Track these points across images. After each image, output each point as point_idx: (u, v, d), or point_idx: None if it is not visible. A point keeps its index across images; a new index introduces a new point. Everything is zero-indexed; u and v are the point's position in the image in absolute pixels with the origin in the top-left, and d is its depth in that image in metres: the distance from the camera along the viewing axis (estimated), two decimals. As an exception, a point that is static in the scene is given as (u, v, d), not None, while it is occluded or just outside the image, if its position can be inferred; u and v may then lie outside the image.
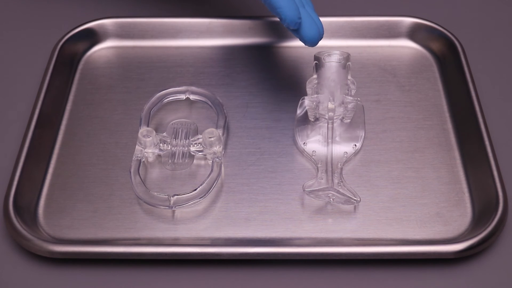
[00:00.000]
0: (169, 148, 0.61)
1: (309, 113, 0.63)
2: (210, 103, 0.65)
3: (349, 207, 0.58)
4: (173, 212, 0.58)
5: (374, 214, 0.58)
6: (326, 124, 0.62)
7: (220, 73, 0.70)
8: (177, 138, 0.62)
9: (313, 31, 0.58)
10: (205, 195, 0.58)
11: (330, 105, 0.62)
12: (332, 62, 0.64)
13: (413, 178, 0.60)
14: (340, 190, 0.57)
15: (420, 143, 0.63)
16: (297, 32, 0.58)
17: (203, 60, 0.71)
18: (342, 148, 0.61)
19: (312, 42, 0.59)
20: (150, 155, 0.61)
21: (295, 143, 0.63)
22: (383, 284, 0.54)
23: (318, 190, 0.57)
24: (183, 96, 0.66)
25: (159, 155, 0.62)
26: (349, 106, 0.62)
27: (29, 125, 0.62)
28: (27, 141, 0.61)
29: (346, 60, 0.64)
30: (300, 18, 0.57)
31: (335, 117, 0.62)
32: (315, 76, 0.64)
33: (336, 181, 0.58)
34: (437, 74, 0.70)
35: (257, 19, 0.72)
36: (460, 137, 0.63)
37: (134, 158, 0.60)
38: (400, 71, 0.70)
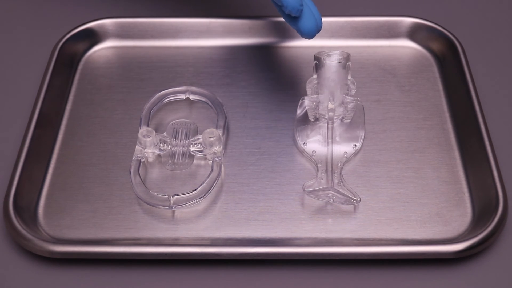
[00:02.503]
0: (169, 148, 0.61)
1: (309, 113, 0.63)
2: (210, 103, 0.65)
3: (349, 207, 0.58)
4: (173, 212, 0.58)
5: (374, 214, 0.58)
6: (326, 124, 0.62)
7: (220, 73, 0.70)
8: (177, 138, 0.62)
9: (311, 23, 0.57)
10: (205, 195, 0.58)
11: (330, 105, 0.62)
12: (332, 62, 0.64)
13: (413, 178, 0.60)
14: (340, 190, 0.57)
15: (420, 143, 0.63)
16: (294, 23, 0.58)
17: (203, 60, 0.71)
18: (342, 148, 0.61)
19: (309, 34, 0.58)
20: (150, 155, 0.61)
21: (295, 143, 0.63)
22: (383, 284, 0.54)
23: (318, 190, 0.57)
24: (183, 96, 0.66)
25: (159, 155, 0.62)
26: (349, 106, 0.62)
27: (29, 125, 0.62)
28: (27, 141, 0.61)
29: (346, 60, 0.64)
30: (301, 5, 0.56)
31: (335, 117, 0.62)
32: (315, 76, 0.64)
33: (336, 181, 0.58)
34: (437, 74, 0.70)
35: (257, 19, 0.72)
36: (460, 137, 0.63)
37: (134, 158, 0.60)
38: (400, 71, 0.70)
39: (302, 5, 0.56)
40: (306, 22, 0.57)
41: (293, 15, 0.56)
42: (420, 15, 0.72)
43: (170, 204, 0.57)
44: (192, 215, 0.58)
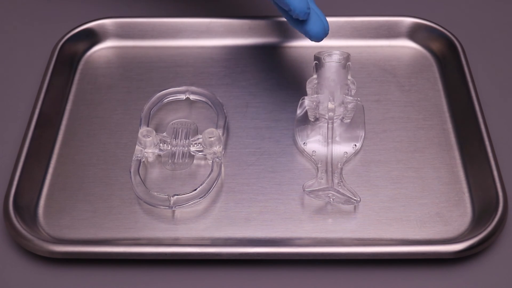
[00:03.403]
0: (169, 148, 0.61)
1: (309, 113, 0.63)
2: (210, 103, 0.65)
3: (349, 207, 0.58)
4: (173, 212, 0.58)
5: (374, 214, 0.58)
6: (326, 124, 0.62)
7: (220, 73, 0.70)
8: (177, 138, 0.62)
9: (318, 26, 0.57)
10: (205, 195, 0.58)
11: (330, 105, 0.62)
12: (332, 62, 0.64)
13: (413, 178, 0.60)
14: (340, 190, 0.57)
15: (420, 143, 0.63)
16: (302, 27, 0.58)
17: (203, 60, 0.71)
18: (342, 148, 0.61)
19: (317, 37, 0.58)
20: (150, 155, 0.61)
21: (295, 143, 0.63)
22: (383, 284, 0.54)
23: (318, 190, 0.57)
24: (183, 96, 0.66)
25: (159, 155, 0.62)
26: (349, 106, 0.62)
27: (29, 125, 0.62)
28: (27, 141, 0.61)
29: (346, 60, 0.64)
30: (309, 8, 0.56)
31: (335, 117, 0.62)
32: (315, 76, 0.64)
33: (336, 181, 0.58)
34: (437, 74, 0.70)
35: (257, 19, 0.72)
36: (460, 137, 0.63)
37: (134, 158, 0.60)
38: (400, 71, 0.70)
39: (309, 8, 0.56)
40: (314, 25, 0.57)
41: (300, 18, 0.57)
42: (420, 15, 0.72)
43: (170, 204, 0.57)
44: (192, 215, 0.58)
